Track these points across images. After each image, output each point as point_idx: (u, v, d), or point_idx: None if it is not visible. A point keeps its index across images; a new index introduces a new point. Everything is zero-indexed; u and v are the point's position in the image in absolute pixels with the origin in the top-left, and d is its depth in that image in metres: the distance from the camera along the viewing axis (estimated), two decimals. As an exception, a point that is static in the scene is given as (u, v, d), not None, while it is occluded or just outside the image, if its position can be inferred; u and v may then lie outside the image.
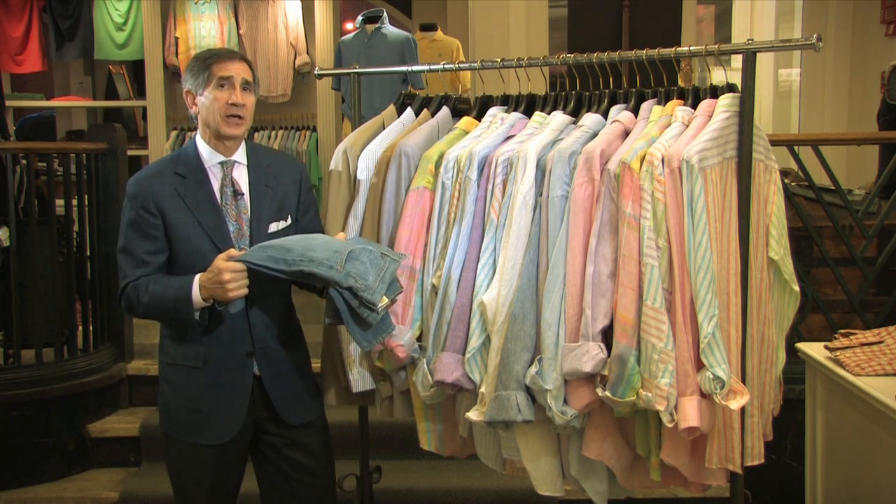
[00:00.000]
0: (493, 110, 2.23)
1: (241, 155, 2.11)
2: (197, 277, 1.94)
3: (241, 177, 2.10)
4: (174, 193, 2.03)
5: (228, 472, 2.14)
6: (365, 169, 2.21)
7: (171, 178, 2.05)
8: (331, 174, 2.29)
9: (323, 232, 2.23)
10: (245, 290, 1.91)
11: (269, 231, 2.08)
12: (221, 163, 2.08)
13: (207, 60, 2.03)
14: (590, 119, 2.06)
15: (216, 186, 2.07)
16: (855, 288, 3.30)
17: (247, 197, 2.09)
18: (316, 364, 2.27)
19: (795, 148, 3.38)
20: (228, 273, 1.88)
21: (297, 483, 2.18)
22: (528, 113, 2.20)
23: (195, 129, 2.13)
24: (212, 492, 2.12)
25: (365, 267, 1.91)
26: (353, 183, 2.24)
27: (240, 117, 2.04)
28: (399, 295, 2.00)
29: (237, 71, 2.03)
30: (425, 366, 2.03)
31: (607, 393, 1.80)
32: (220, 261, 1.90)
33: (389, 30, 4.93)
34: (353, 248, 1.93)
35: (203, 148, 2.08)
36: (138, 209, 2.02)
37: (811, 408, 2.41)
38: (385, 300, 1.92)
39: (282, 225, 2.11)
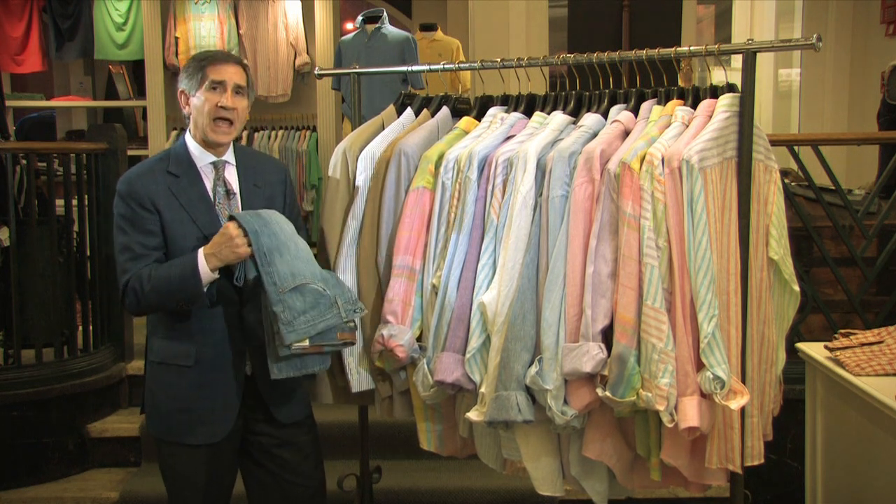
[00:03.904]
0: (493, 110, 2.23)
1: (230, 156, 2.14)
2: (200, 250, 1.95)
3: (232, 176, 2.12)
4: (168, 192, 2.04)
5: (222, 472, 2.14)
6: (364, 169, 2.21)
7: (164, 176, 2.05)
8: (330, 174, 2.29)
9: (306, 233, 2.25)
10: (248, 249, 1.93)
11: None
12: (213, 163, 2.10)
13: (202, 62, 2.04)
14: (590, 119, 2.06)
15: (209, 186, 2.09)
16: (855, 288, 3.30)
17: (238, 196, 2.10)
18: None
19: (795, 148, 3.38)
20: (232, 229, 1.92)
21: (286, 483, 2.17)
22: (528, 113, 2.20)
23: (192, 128, 2.14)
24: (206, 492, 2.11)
25: (303, 305, 1.93)
26: (353, 183, 2.24)
27: (229, 122, 2.05)
28: (333, 350, 2.02)
29: (230, 75, 2.04)
30: (425, 366, 2.03)
31: (607, 393, 1.80)
32: (227, 224, 1.95)
33: (389, 30, 4.93)
34: (313, 284, 1.96)
35: (194, 147, 2.09)
36: (135, 207, 2.02)
37: (811, 408, 2.41)
38: (305, 342, 1.94)
39: None
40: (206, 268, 1.94)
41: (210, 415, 2.07)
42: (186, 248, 2.01)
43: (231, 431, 2.09)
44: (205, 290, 1.96)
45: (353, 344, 2.07)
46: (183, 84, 2.07)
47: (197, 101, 2.04)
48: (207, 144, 2.08)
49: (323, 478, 2.27)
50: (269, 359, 1.97)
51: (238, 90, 2.05)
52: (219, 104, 2.02)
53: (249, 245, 1.93)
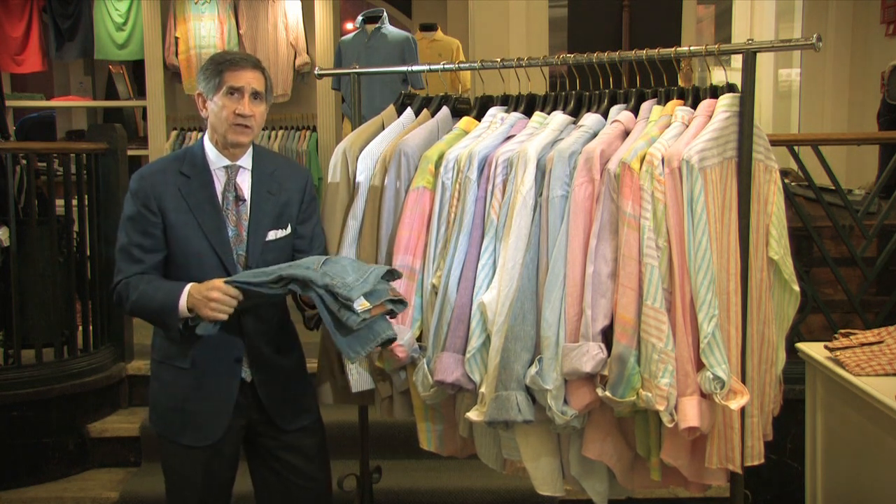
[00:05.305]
0: (493, 110, 2.23)
1: (246, 160, 2.10)
2: (188, 286, 1.92)
3: (245, 182, 2.09)
4: (177, 193, 2.02)
5: (220, 473, 2.14)
6: (364, 169, 2.21)
7: (176, 177, 2.04)
8: (329, 174, 2.29)
9: (323, 241, 2.23)
10: (224, 316, 1.89)
11: (268, 239, 2.07)
12: (226, 167, 2.07)
13: (220, 66, 2.01)
14: (590, 119, 2.06)
15: (219, 190, 2.07)
16: (855, 288, 3.30)
17: (248, 203, 2.08)
18: (312, 364, 2.26)
19: (795, 148, 3.38)
20: (218, 292, 1.87)
21: (291, 485, 2.18)
22: (528, 113, 2.20)
23: (195, 129, 2.14)
24: (203, 491, 2.12)
25: (344, 269, 1.87)
26: (353, 183, 2.24)
27: (247, 126, 2.03)
28: (392, 307, 1.90)
29: (248, 80, 2.01)
30: (425, 366, 2.03)
31: (607, 393, 1.80)
32: (219, 280, 1.90)
33: (389, 30, 4.93)
34: (340, 258, 1.93)
35: (210, 150, 2.07)
36: (139, 206, 2.01)
37: (811, 408, 2.41)
38: (366, 303, 1.83)
39: (280, 234, 2.09)
40: (184, 305, 1.91)
41: (201, 417, 2.07)
42: (190, 250, 2.01)
43: (227, 434, 2.09)
44: (180, 325, 1.93)
45: (405, 305, 1.94)
46: (200, 86, 2.04)
47: (214, 107, 2.01)
48: (224, 147, 2.06)
49: (329, 480, 2.27)
50: (339, 346, 1.84)
51: (255, 96, 2.02)
52: (236, 111, 1.99)
53: (232, 307, 1.88)
